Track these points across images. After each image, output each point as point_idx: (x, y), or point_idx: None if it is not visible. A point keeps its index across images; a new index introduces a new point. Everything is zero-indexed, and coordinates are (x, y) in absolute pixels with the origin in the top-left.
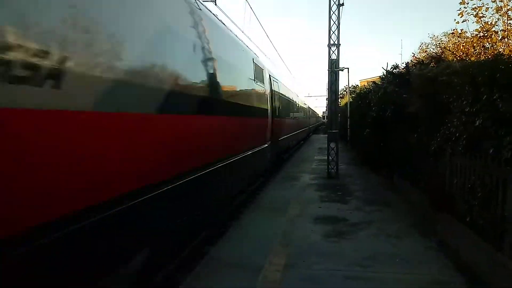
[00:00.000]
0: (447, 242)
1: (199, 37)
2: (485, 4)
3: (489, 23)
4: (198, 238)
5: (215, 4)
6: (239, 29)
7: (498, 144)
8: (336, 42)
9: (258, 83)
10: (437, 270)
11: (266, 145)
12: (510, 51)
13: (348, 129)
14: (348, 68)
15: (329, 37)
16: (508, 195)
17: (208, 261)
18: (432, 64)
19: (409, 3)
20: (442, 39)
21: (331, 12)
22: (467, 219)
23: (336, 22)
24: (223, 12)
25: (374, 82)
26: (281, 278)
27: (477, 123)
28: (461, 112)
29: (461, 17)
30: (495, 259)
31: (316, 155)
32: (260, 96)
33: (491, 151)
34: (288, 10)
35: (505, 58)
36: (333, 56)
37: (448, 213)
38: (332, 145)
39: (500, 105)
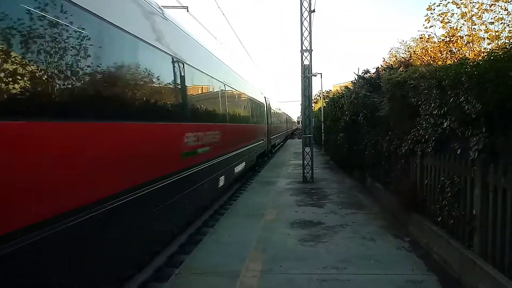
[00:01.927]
0: (419, 242)
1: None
2: (450, 10)
3: (454, 28)
4: (174, 247)
5: (187, 11)
6: (213, 36)
7: (465, 145)
8: (308, 48)
9: (262, 104)
10: (410, 270)
11: (265, 139)
12: (475, 55)
13: (323, 133)
14: (321, 74)
15: (301, 43)
16: (475, 194)
17: (184, 269)
18: (401, 69)
19: (383, 9)
20: (410, 44)
21: (303, 18)
22: (438, 219)
23: (308, 28)
24: (196, 19)
25: (346, 87)
26: (258, 283)
27: (445, 125)
28: (429, 115)
29: (428, 22)
30: (466, 257)
31: (292, 159)
32: (263, 112)
33: (459, 151)
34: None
35: (470, 62)
36: (306, 62)
37: (420, 213)
38: (307, 149)
39: (466, 107)
